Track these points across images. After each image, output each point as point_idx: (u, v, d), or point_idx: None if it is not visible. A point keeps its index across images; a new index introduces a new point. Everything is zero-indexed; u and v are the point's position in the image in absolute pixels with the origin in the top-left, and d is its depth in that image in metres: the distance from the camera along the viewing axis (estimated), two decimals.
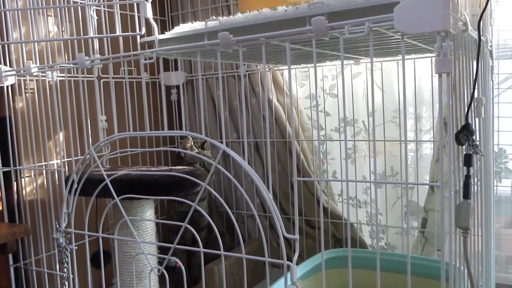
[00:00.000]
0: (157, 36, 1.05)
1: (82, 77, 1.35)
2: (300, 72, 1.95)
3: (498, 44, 1.59)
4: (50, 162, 1.54)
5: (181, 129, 2.13)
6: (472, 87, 0.94)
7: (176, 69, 2.12)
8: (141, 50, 1.12)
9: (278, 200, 1.93)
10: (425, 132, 1.75)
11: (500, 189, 1.70)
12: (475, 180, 0.99)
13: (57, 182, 1.54)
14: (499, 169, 1.71)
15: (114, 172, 1.28)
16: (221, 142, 0.92)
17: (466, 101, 0.94)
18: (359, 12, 0.80)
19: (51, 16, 1.61)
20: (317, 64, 1.75)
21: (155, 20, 1.06)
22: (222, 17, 1.94)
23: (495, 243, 1.46)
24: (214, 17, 1.08)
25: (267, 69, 1.87)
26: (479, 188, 1.05)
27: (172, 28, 2.12)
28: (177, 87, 2.07)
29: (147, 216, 1.31)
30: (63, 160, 1.37)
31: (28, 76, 1.47)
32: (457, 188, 0.83)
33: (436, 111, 1.68)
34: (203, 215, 0.94)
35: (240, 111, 1.97)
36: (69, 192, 1.14)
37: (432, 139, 1.73)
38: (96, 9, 1.34)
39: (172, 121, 2.10)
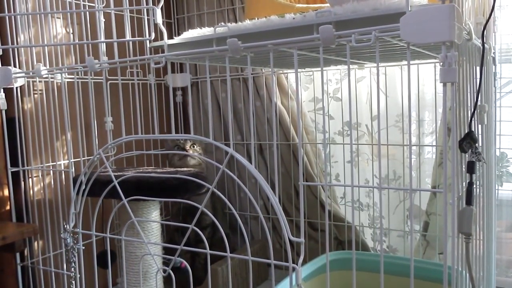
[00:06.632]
0: (167, 41, 1.07)
1: (91, 79, 1.37)
2: (305, 75, 1.96)
3: (500, 48, 1.60)
4: (58, 163, 1.56)
5: (186, 130, 2.15)
6: (475, 95, 0.95)
7: (182, 71, 2.14)
8: (149, 53, 1.14)
9: (281, 202, 1.95)
10: (427, 135, 1.77)
11: (502, 192, 1.71)
12: (477, 185, 1.00)
13: (64, 182, 1.56)
14: (500, 173, 1.72)
15: (121, 173, 1.30)
16: (227, 145, 0.94)
17: (469, 107, 0.96)
18: (366, 21, 0.82)
19: (59, 18, 1.63)
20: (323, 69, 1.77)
21: (162, 23, 1.08)
22: (228, 20, 1.97)
23: (496, 246, 1.47)
24: (222, 23, 1.10)
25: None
26: (481, 193, 1.07)
27: (178, 30, 2.14)
28: (182, 89, 2.09)
29: (153, 217, 1.33)
30: (71, 160, 1.39)
31: (37, 77, 1.49)
32: (460, 194, 0.85)
33: (438, 115, 1.70)
34: (206, 213, 0.96)
35: (247, 115, 1.99)
36: (77, 193, 1.16)
37: (434, 143, 1.74)
38: (104, 12, 1.36)
39: (176, 123, 2.12)
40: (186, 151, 1.80)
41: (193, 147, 1.85)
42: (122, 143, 1.11)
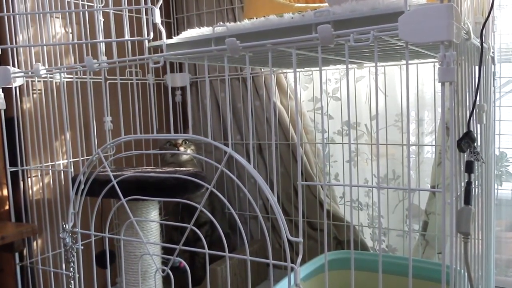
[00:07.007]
0: (165, 40, 1.07)
1: (90, 78, 1.37)
2: (304, 75, 1.96)
3: (500, 48, 1.60)
4: (57, 163, 1.56)
5: (185, 130, 2.15)
6: (474, 94, 0.95)
7: (181, 70, 2.14)
8: (148, 53, 1.13)
9: (280, 202, 1.95)
10: (426, 134, 1.77)
11: (501, 192, 1.71)
12: (476, 185, 1.00)
13: (63, 182, 1.56)
14: (499, 173, 1.72)
15: (120, 173, 1.30)
16: (226, 144, 0.94)
17: (468, 106, 0.95)
18: (364, 21, 0.82)
19: (58, 18, 1.63)
20: (322, 68, 1.78)
21: (161, 22, 1.08)
22: (227, 20, 1.97)
23: (495, 246, 1.47)
24: (221, 22, 1.10)
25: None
26: (479, 192, 1.07)
27: (177, 30, 2.14)
28: (182, 88, 2.09)
29: (151, 216, 1.33)
30: (70, 160, 1.39)
31: (36, 77, 1.49)
32: (458, 193, 0.85)
33: (438, 114, 1.70)
34: (203, 211, 0.96)
35: (246, 114, 1.99)
36: (76, 193, 1.16)
37: (433, 142, 1.74)
38: (103, 11, 1.36)
39: (176, 123, 2.12)
40: (178, 147, 1.80)
41: (185, 143, 1.85)
42: (121, 143, 1.11)
